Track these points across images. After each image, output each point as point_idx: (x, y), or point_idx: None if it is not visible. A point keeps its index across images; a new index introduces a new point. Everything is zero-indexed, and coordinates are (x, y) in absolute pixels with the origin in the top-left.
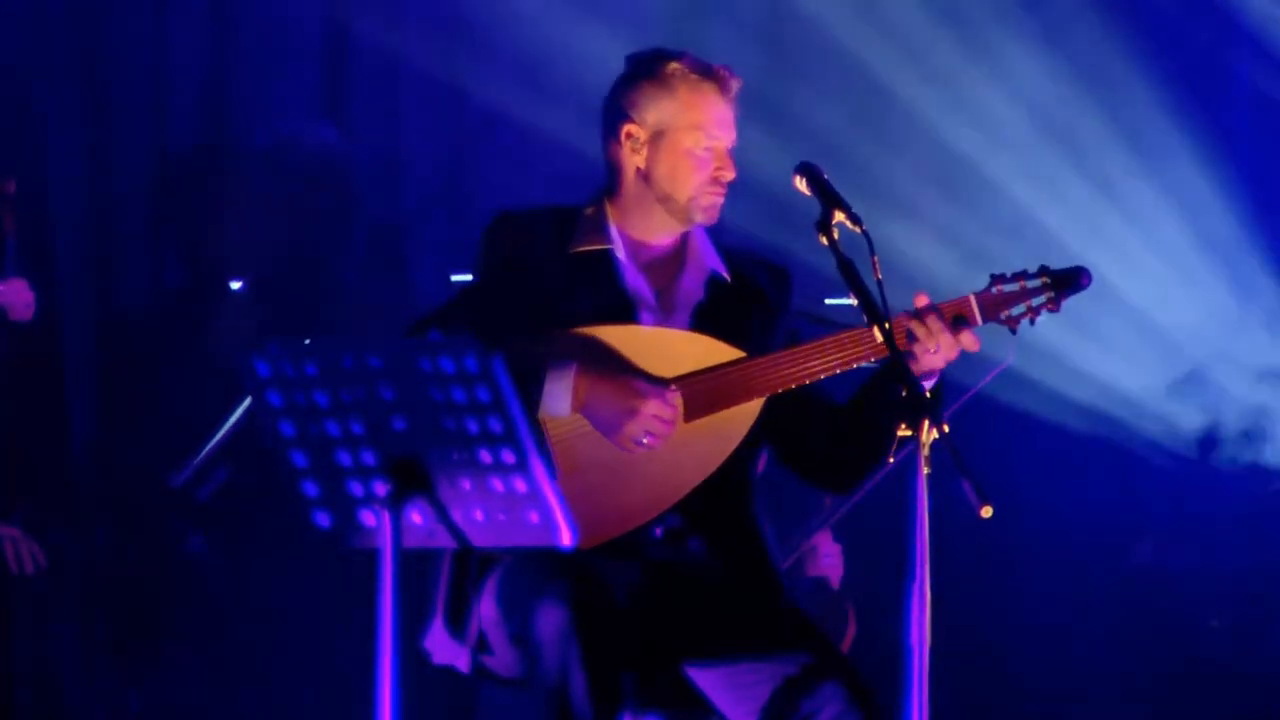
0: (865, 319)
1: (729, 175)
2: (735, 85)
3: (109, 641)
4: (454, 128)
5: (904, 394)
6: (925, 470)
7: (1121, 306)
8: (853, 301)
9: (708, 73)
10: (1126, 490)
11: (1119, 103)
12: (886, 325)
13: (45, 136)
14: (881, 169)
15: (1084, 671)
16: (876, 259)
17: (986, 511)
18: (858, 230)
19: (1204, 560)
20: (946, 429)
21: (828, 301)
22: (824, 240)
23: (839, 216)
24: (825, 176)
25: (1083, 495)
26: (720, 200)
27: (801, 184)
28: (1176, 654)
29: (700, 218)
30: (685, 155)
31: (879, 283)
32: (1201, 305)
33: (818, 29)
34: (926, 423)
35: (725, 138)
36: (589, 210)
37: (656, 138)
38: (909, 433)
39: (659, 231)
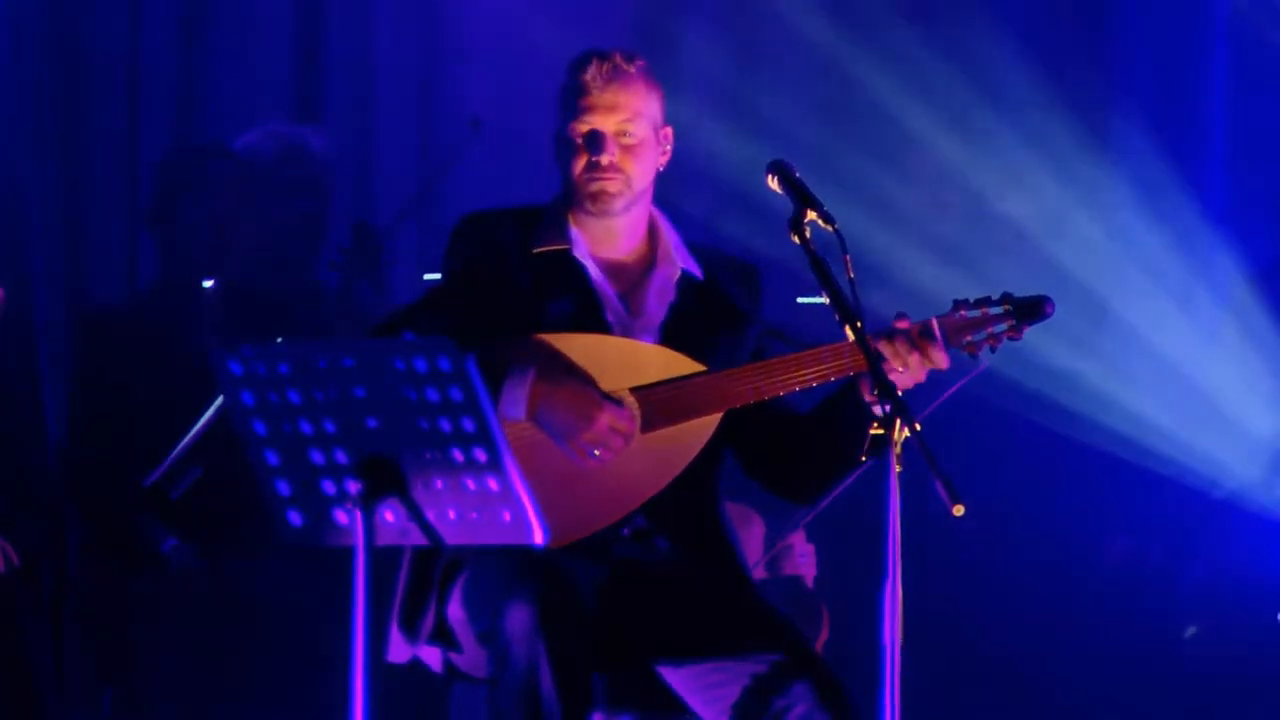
0: (837, 318)
1: (595, 157)
2: (601, 66)
3: (81, 641)
4: (427, 126)
5: (875, 390)
6: (897, 469)
7: (1085, 297)
8: (824, 300)
9: (579, 57)
10: (1101, 488)
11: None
12: (859, 324)
13: (18, 135)
14: (853, 166)
15: (1058, 670)
16: (849, 258)
17: (959, 510)
18: (830, 229)
19: (1179, 559)
20: (919, 428)
21: (800, 300)
22: (796, 239)
23: (811, 215)
24: (797, 174)
25: (1057, 493)
26: (604, 187)
27: (774, 182)
28: (1152, 653)
29: (590, 206)
30: (558, 141)
31: (851, 282)
32: (1172, 303)
33: (788, 25)
34: (898, 422)
35: (590, 121)
36: (550, 209)
37: (556, 130)
38: (881, 431)
39: (609, 230)
